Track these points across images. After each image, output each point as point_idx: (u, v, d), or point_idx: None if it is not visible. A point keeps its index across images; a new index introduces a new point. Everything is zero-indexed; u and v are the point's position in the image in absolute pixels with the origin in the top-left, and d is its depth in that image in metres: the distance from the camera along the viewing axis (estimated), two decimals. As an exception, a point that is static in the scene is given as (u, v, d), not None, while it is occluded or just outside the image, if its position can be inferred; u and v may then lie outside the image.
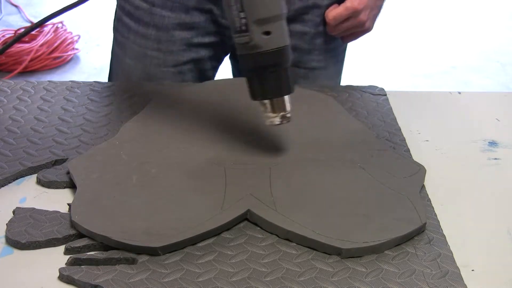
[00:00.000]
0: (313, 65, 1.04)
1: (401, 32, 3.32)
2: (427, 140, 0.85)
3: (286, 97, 0.72)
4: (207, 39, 1.00)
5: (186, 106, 0.85)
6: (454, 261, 0.62)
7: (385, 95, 0.93)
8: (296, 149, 0.76)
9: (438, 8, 3.67)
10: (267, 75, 0.70)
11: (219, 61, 1.08)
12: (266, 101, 0.72)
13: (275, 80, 0.70)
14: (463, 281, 0.60)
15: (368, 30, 0.99)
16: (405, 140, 0.82)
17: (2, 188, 0.71)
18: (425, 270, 0.61)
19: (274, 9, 0.68)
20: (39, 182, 0.72)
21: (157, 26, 0.98)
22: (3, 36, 2.79)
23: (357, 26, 0.97)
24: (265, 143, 0.77)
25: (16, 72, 2.63)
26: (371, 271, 0.60)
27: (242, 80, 0.95)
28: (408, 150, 0.80)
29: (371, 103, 0.91)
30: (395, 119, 0.87)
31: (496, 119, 0.91)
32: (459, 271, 0.61)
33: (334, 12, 0.95)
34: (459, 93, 0.98)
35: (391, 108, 0.90)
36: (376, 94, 0.93)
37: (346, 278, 0.59)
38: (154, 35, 0.98)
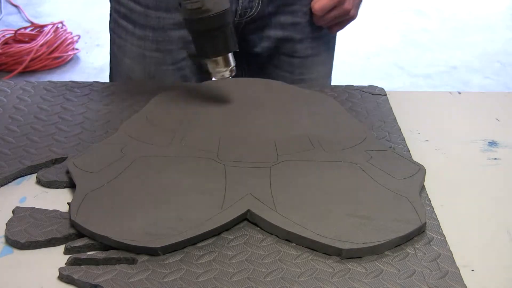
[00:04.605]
0: (307, 53, 1.06)
1: (401, 32, 3.32)
2: (427, 140, 0.84)
3: (231, 54, 0.83)
4: None
5: (186, 105, 0.85)
6: (454, 261, 0.62)
7: (385, 95, 0.93)
8: (296, 149, 0.76)
9: (438, 8, 3.67)
10: (216, 35, 0.80)
11: None
12: (219, 58, 0.82)
13: (223, 39, 0.81)
14: (463, 281, 0.60)
15: (353, 18, 1.01)
16: (405, 140, 0.82)
17: (2, 187, 0.71)
18: (425, 271, 0.61)
19: None
20: (39, 181, 0.72)
21: (153, 28, 0.98)
22: (3, 36, 2.79)
23: (343, 15, 0.99)
24: (266, 143, 0.77)
25: (16, 72, 2.63)
26: (371, 271, 0.60)
27: (244, 80, 0.96)
28: (408, 150, 0.80)
29: (371, 103, 0.91)
30: (395, 119, 0.87)
31: (496, 119, 0.91)
32: (459, 271, 0.61)
33: (320, 3, 0.98)
34: (459, 93, 0.98)
35: (391, 108, 0.90)
36: (376, 94, 0.93)
37: (346, 278, 0.59)
38: (151, 37, 0.99)
